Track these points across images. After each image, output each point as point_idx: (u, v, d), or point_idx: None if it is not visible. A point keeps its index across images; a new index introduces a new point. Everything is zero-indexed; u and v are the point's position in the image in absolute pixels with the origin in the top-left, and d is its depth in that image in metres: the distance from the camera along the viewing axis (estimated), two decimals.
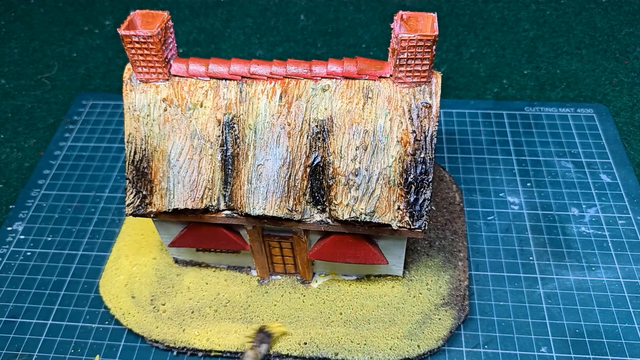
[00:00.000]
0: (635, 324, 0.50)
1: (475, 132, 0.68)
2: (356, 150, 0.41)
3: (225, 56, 0.82)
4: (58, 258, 0.57)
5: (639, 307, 0.51)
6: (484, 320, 0.51)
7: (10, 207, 0.63)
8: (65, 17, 0.91)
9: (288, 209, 0.42)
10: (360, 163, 0.41)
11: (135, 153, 0.43)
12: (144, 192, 0.44)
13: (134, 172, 0.44)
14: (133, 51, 0.41)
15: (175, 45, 0.44)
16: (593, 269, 0.54)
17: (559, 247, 0.56)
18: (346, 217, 0.41)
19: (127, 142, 0.44)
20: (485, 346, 0.49)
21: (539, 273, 0.54)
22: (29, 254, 0.58)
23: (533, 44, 0.81)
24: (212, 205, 0.43)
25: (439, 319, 0.49)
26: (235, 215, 0.44)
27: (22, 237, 0.59)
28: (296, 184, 0.42)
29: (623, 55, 0.78)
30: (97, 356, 0.50)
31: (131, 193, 0.44)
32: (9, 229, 0.60)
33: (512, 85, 0.75)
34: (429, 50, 0.39)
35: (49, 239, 0.59)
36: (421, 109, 0.41)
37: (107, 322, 0.52)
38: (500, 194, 0.61)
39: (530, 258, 0.55)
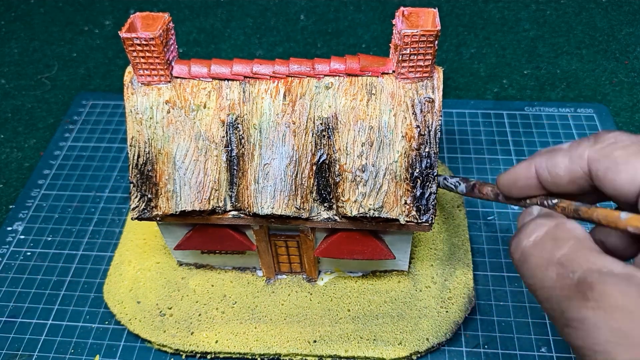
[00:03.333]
0: None
1: (475, 132, 0.68)
2: (362, 146, 0.41)
3: (226, 56, 0.82)
4: (58, 258, 0.57)
5: None
6: (484, 320, 0.51)
7: (10, 207, 0.63)
8: (65, 17, 0.91)
9: (296, 207, 0.42)
10: (366, 159, 0.41)
11: (138, 156, 0.43)
12: (149, 196, 0.43)
13: (138, 175, 0.43)
14: (135, 54, 0.41)
15: (176, 46, 0.44)
16: None
17: None
18: (355, 213, 0.41)
19: (130, 145, 0.43)
20: (485, 346, 0.49)
21: None
22: (29, 254, 0.58)
23: (533, 44, 0.81)
24: (219, 206, 0.43)
25: (446, 311, 0.49)
26: (242, 215, 0.44)
27: (22, 237, 0.59)
28: (303, 182, 0.42)
29: (623, 55, 0.78)
30: (97, 356, 0.50)
31: (136, 197, 0.44)
32: (9, 229, 0.60)
33: (512, 85, 0.75)
34: (432, 45, 0.39)
35: (49, 239, 0.59)
36: (424, 103, 0.41)
37: (107, 322, 0.52)
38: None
39: None
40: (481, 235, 0.57)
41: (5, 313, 0.53)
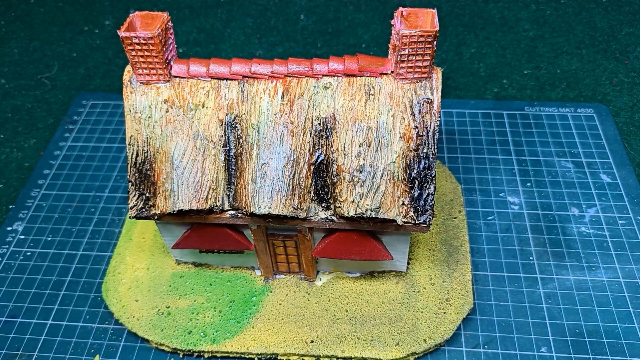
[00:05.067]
0: (635, 324, 0.50)
1: (475, 132, 0.68)
2: (360, 147, 0.41)
3: (225, 56, 0.82)
4: (58, 258, 0.57)
5: (639, 307, 0.51)
6: (484, 320, 0.51)
7: (10, 207, 0.63)
8: (65, 17, 0.91)
9: (293, 207, 0.42)
10: (364, 160, 0.41)
11: (137, 155, 0.43)
12: (147, 194, 0.44)
13: (136, 174, 0.43)
14: (133, 53, 0.41)
15: (175, 46, 0.44)
16: (593, 269, 0.54)
17: (559, 247, 0.56)
18: (352, 213, 0.41)
19: (129, 144, 0.43)
20: (485, 346, 0.49)
21: (539, 273, 0.54)
22: (29, 254, 0.58)
23: (533, 43, 0.81)
24: (216, 206, 0.43)
25: (444, 312, 0.49)
26: (239, 215, 0.44)
27: (22, 237, 0.59)
28: (300, 182, 0.42)
29: (623, 55, 0.78)
30: (97, 356, 0.50)
31: (134, 195, 0.44)
32: (9, 229, 0.60)
33: (512, 85, 0.75)
34: (430, 45, 0.39)
35: (49, 239, 0.59)
36: (422, 104, 0.41)
37: (107, 322, 0.52)
38: (500, 194, 0.61)
39: (530, 258, 0.55)
40: (481, 235, 0.57)
41: (5, 313, 0.53)
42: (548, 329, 0.50)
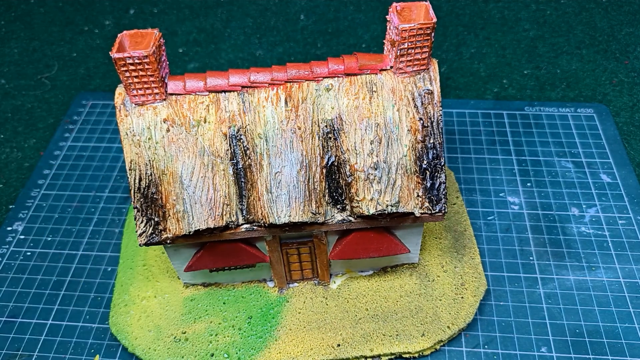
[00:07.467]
0: (635, 324, 0.50)
1: (475, 132, 0.68)
2: (371, 144, 0.41)
3: (225, 56, 0.82)
4: (58, 258, 0.57)
5: (639, 307, 0.51)
6: (484, 320, 0.51)
7: (10, 207, 0.63)
8: (65, 17, 0.91)
9: (312, 213, 0.42)
10: (377, 156, 0.41)
11: (140, 180, 0.42)
12: (156, 219, 0.42)
13: (141, 199, 0.42)
14: (127, 74, 0.40)
15: (168, 63, 0.43)
16: (593, 269, 0.54)
17: (559, 247, 0.56)
18: (372, 211, 0.41)
19: (130, 169, 0.42)
20: (485, 346, 0.49)
21: (539, 273, 0.54)
22: (28, 254, 0.58)
23: (533, 44, 0.81)
24: (231, 221, 0.42)
25: (461, 297, 0.50)
26: (254, 227, 0.43)
27: (22, 237, 0.59)
28: (315, 187, 0.42)
29: (623, 55, 0.78)
30: (97, 356, 0.50)
31: (141, 222, 0.42)
32: (9, 229, 0.60)
33: (512, 85, 0.75)
34: (429, 37, 0.40)
35: (49, 239, 0.59)
36: (424, 96, 0.42)
37: (106, 322, 0.52)
38: (500, 194, 0.61)
39: (531, 258, 0.55)
40: (481, 235, 0.57)
41: (5, 313, 0.53)
42: (548, 329, 0.50)
